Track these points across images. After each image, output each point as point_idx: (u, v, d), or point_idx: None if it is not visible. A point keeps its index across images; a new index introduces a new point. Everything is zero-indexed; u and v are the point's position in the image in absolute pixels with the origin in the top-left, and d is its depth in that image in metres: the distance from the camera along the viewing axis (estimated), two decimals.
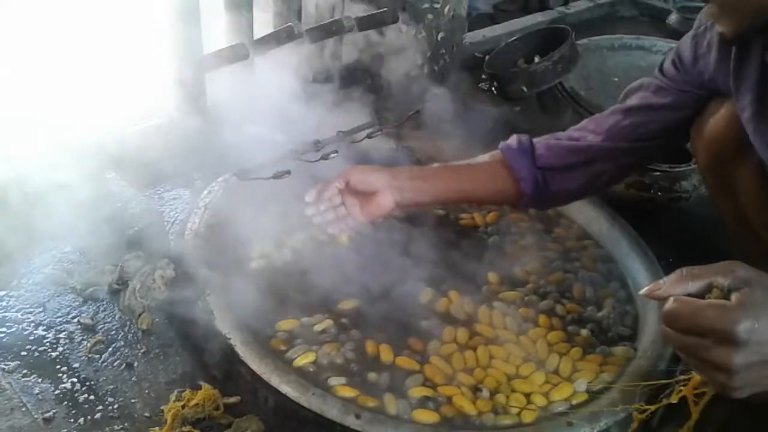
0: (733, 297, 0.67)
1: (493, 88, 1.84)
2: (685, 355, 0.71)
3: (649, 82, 1.10)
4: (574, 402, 1.04)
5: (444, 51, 1.78)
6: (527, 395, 1.04)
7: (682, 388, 0.86)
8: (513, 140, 1.16)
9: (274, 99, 1.25)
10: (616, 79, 2.09)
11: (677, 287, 0.71)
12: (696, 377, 0.82)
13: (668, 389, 0.94)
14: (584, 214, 1.42)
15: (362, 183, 1.10)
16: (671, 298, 0.70)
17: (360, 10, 1.43)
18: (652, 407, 0.98)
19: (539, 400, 1.03)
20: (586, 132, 1.13)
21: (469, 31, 2.00)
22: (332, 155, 1.22)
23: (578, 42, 1.85)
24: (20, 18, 1.25)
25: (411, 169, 1.22)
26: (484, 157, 1.18)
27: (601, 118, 1.13)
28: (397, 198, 1.11)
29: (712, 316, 0.66)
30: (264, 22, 1.39)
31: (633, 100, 1.11)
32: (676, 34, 2.31)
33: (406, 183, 1.11)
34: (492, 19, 2.42)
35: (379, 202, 1.10)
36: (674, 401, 0.88)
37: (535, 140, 1.15)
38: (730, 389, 0.69)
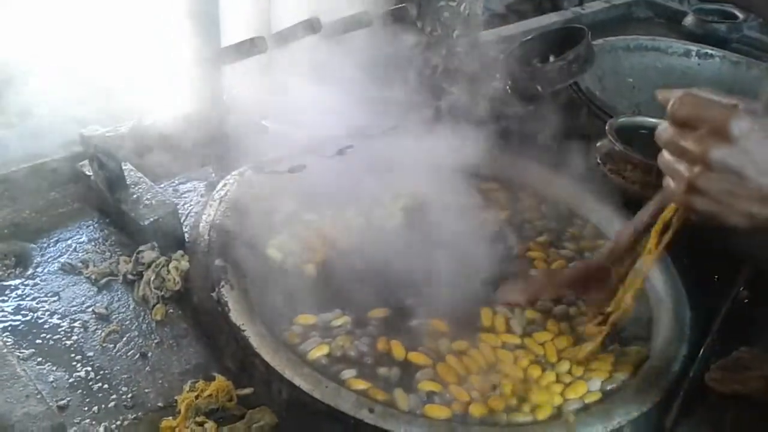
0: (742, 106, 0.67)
1: (507, 87, 1.83)
2: (670, 147, 0.70)
3: None
4: (587, 401, 1.03)
5: (459, 49, 1.77)
6: (542, 394, 1.04)
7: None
8: None
9: (291, 93, 1.26)
10: (630, 80, 2.08)
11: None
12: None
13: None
14: (598, 213, 1.41)
15: None
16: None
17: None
18: None
19: (554, 399, 1.03)
20: None
21: (483, 30, 2.00)
22: (348, 150, 1.22)
23: (593, 42, 1.84)
24: (39, 10, 1.26)
25: None
26: None
27: None
28: None
29: (714, 108, 0.66)
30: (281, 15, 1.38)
31: None
32: (692, 37, 2.29)
33: None
34: (504, 20, 2.41)
35: None
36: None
37: None
38: (693, 190, 0.68)
